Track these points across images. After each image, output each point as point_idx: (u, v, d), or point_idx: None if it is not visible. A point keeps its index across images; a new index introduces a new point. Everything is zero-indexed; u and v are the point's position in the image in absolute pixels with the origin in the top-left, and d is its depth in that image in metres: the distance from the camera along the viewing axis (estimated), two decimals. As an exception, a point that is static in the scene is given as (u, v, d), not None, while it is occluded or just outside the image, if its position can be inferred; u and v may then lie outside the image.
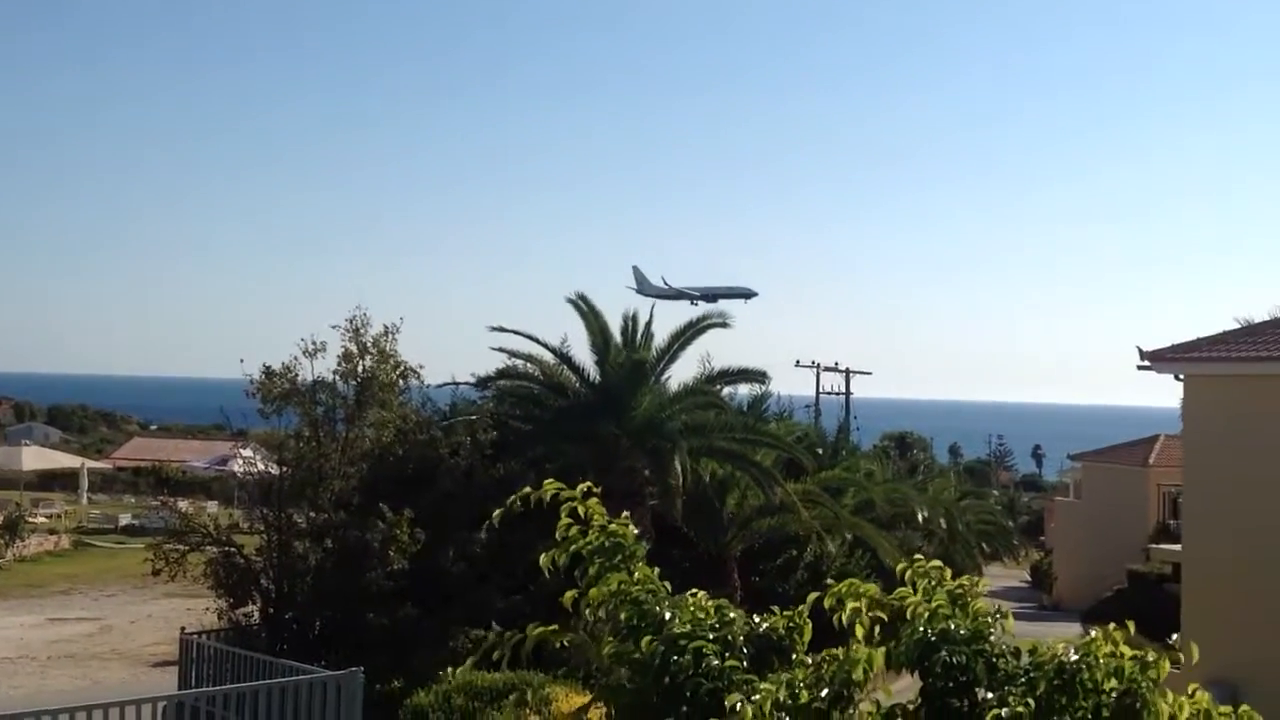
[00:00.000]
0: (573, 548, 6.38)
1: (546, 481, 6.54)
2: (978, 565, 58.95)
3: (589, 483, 6.52)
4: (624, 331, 28.41)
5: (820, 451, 41.67)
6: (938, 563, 6.08)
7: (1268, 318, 35.57)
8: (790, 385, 56.50)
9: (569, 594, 6.31)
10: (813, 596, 6.00)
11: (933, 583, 5.96)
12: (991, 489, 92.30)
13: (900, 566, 6.07)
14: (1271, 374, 25.52)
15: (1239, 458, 25.80)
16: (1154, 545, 41.20)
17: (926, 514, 46.57)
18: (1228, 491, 26.04)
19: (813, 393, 64.19)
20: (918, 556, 6.15)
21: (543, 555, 6.42)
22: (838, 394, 65.01)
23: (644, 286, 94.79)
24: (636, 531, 6.50)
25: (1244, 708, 5.69)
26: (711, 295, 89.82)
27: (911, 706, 5.66)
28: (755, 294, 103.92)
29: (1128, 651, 5.59)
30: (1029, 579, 67.43)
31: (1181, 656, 5.87)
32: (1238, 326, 30.28)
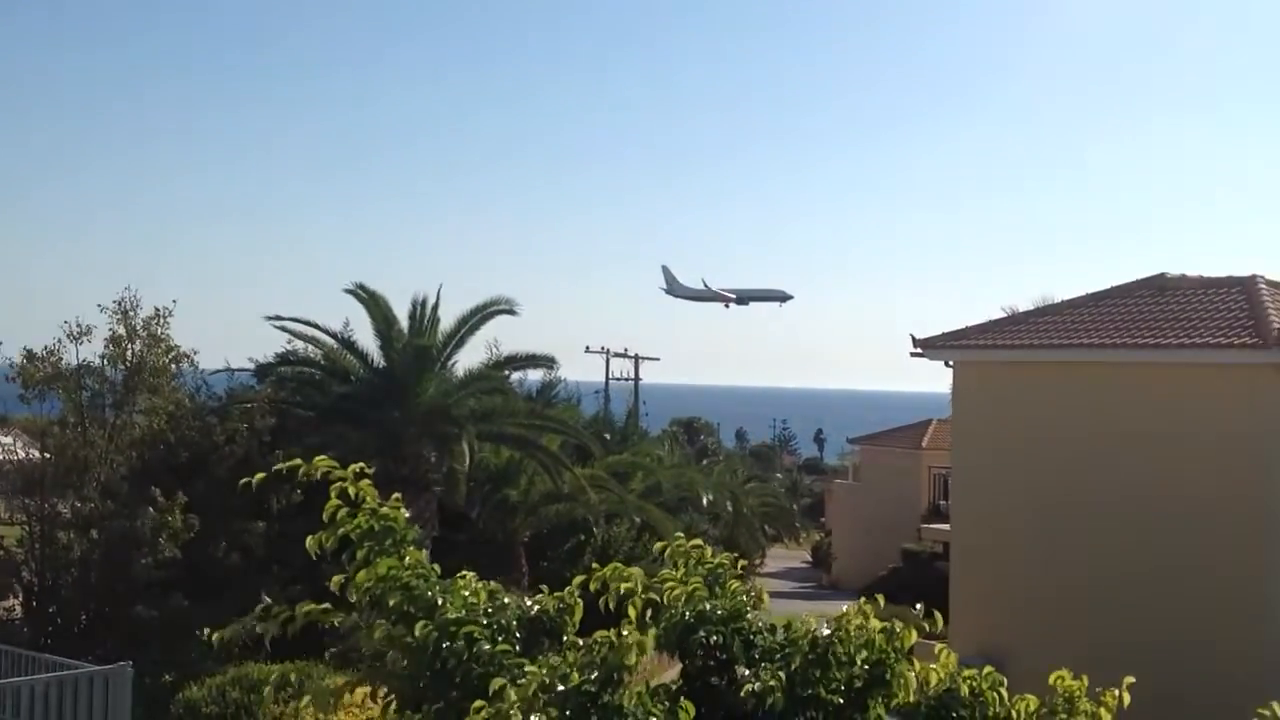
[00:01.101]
0: (341, 531, 6.23)
1: (318, 458, 6.35)
2: (761, 547, 60.44)
3: (364, 466, 6.37)
4: (411, 317, 28.00)
5: (609, 437, 42.00)
6: (698, 541, 6.18)
7: (1032, 307, 37.32)
8: (580, 371, 56.74)
9: (336, 578, 6.17)
10: (578, 579, 6.01)
11: (693, 561, 6.05)
12: (776, 472, 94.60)
13: (659, 546, 6.14)
14: (1033, 360, 26.87)
15: (1002, 441, 27.08)
16: (925, 525, 42.95)
17: (712, 497, 47.46)
18: (991, 473, 27.32)
19: (602, 379, 64.64)
20: (678, 535, 6.23)
21: (309, 538, 6.25)
22: (627, 380, 65.64)
23: (674, 287, 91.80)
24: (408, 515, 6.39)
25: (988, 669, 5.95)
26: (746, 298, 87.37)
27: (675, 687, 5.74)
28: (791, 297, 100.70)
29: (877, 624, 5.78)
30: (810, 559, 69.41)
31: (927, 626, 6.10)
32: (1004, 315, 31.77)
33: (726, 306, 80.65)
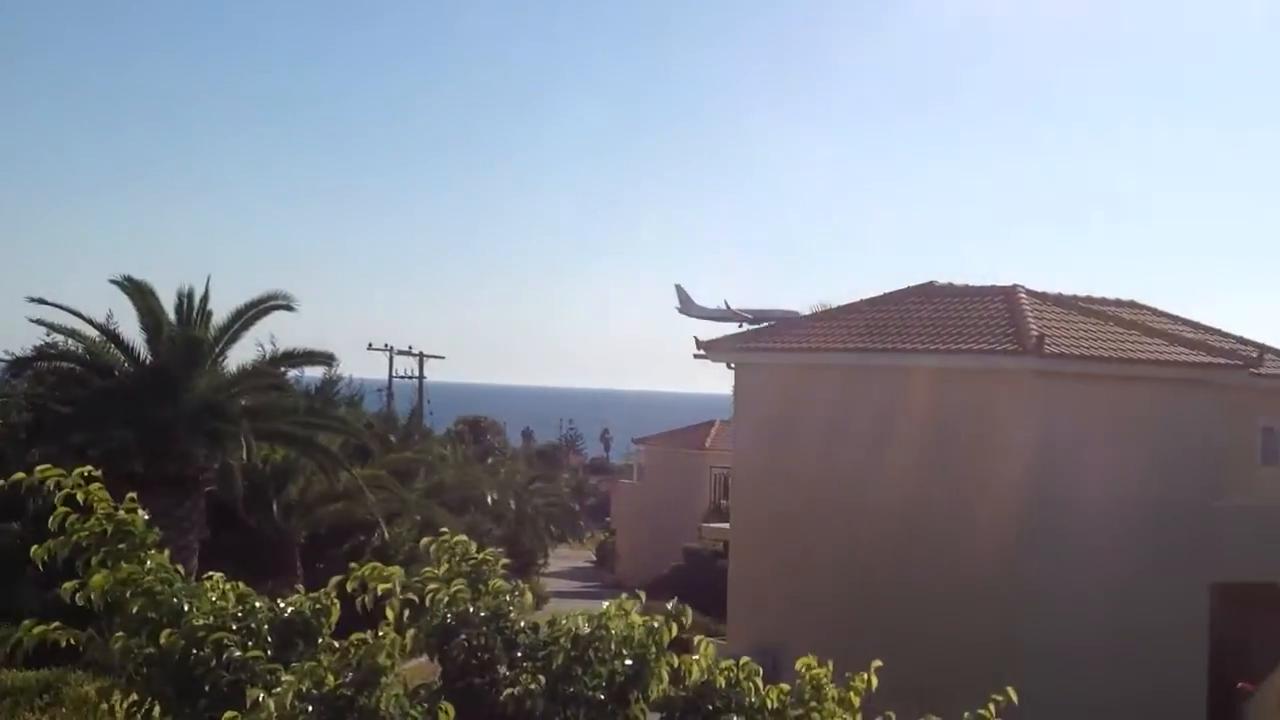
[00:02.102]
0: (74, 537, 5.87)
1: (40, 468, 5.98)
2: (545, 546, 60.49)
3: (90, 469, 6.02)
4: (179, 309, 26.88)
5: (392, 436, 41.32)
6: (462, 537, 6.11)
7: (810, 312, 38.25)
8: (364, 369, 55.65)
9: (67, 585, 5.82)
10: (335, 580, 5.86)
11: (456, 558, 6.00)
12: (562, 472, 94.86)
13: (425, 541, 6.06)
14: (809, 364, 27.60)
15: (779, 442, 27.74)
16: (706, 524, 43.67)
17: (496, 497, 47.25)
18: (768, 473, 27.95)
19: (386, 376, 63.55)
20: (442, 531, 6.15)
21: (35, 548, 5.87)
22: (411, 378, 64.69)
23: (688, 307, 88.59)
24: (146, 517, 6.06)
25: (744, 660, 6.07)
26: (761, 318, 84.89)
27: (435, 688, 5.66)
28: (801, 315, 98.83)
29: (638, 620, 5.82)
30: (594, 559, 69.81)
31: (686, 621, 6.17)
32: (785, 318, 32.55)
33: (740, 327, 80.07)
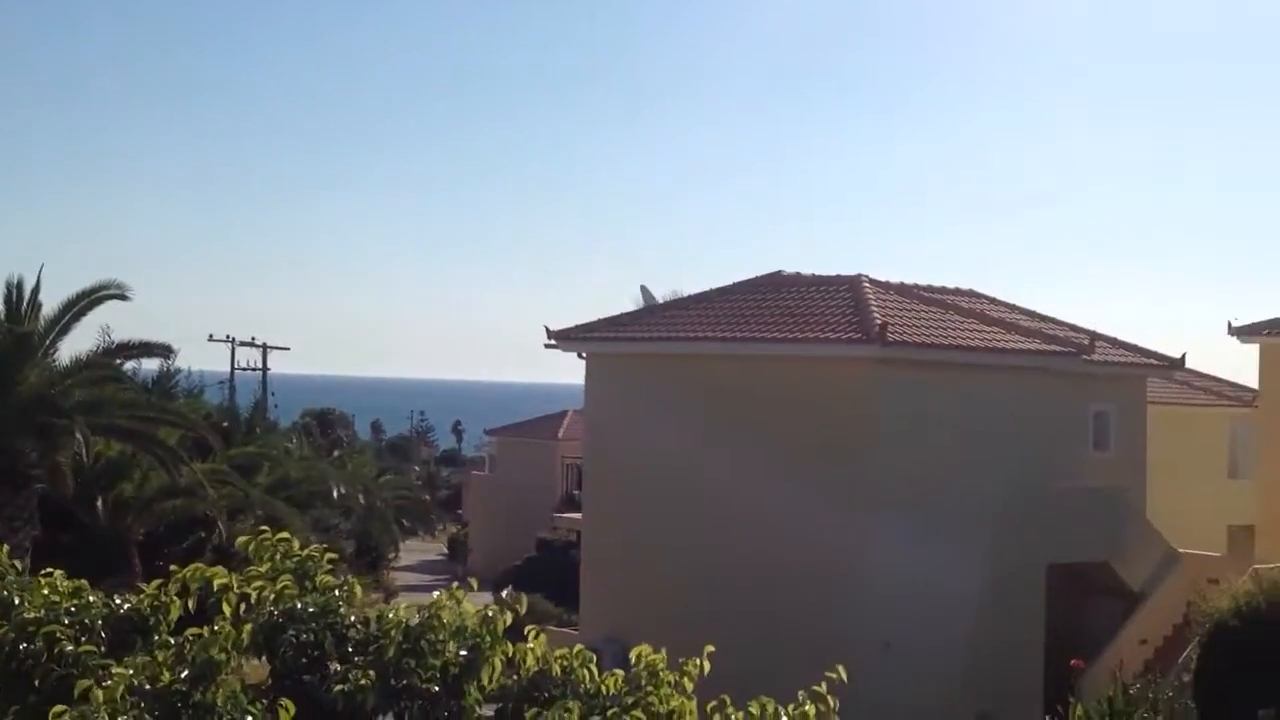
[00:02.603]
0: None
1: None
2: (395, 540, 59.70)
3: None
4: (8, 301, 25.77)
5: (234, 429, 40.28)
6: (285, 534, 6.00)
7: (662, 301, 38.49)
8: (206, 361, 54.13)
9: None
10: (163, 579, 5.70)
11: (279, 555, 5.90)
12: (413, 464, 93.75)
13: (242, 540, 5.96)
14: (660, 353, 27.72)
15: (630, 431, 27.81)
16: (559, 514, 43.62)
17: (344, 490, 46.45)
18: (620, 462, 28.00)
19: (228, 368, 61.93)
20: (264, 529, 6.02)
21: None
22: (255, 370, 63.14)
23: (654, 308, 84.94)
24: (5, 513, 5.79)
25: (579, 648, 6.09)
26: None
27: (265, 685, 5.56)
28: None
29: (470, 609, 5.81)
30: (446, 551, 69.20)
31: (520, 610, 6.15)
32: (637, 308, 32.59)
33: None
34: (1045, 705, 21.71)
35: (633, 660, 6.10)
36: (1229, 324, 31.38)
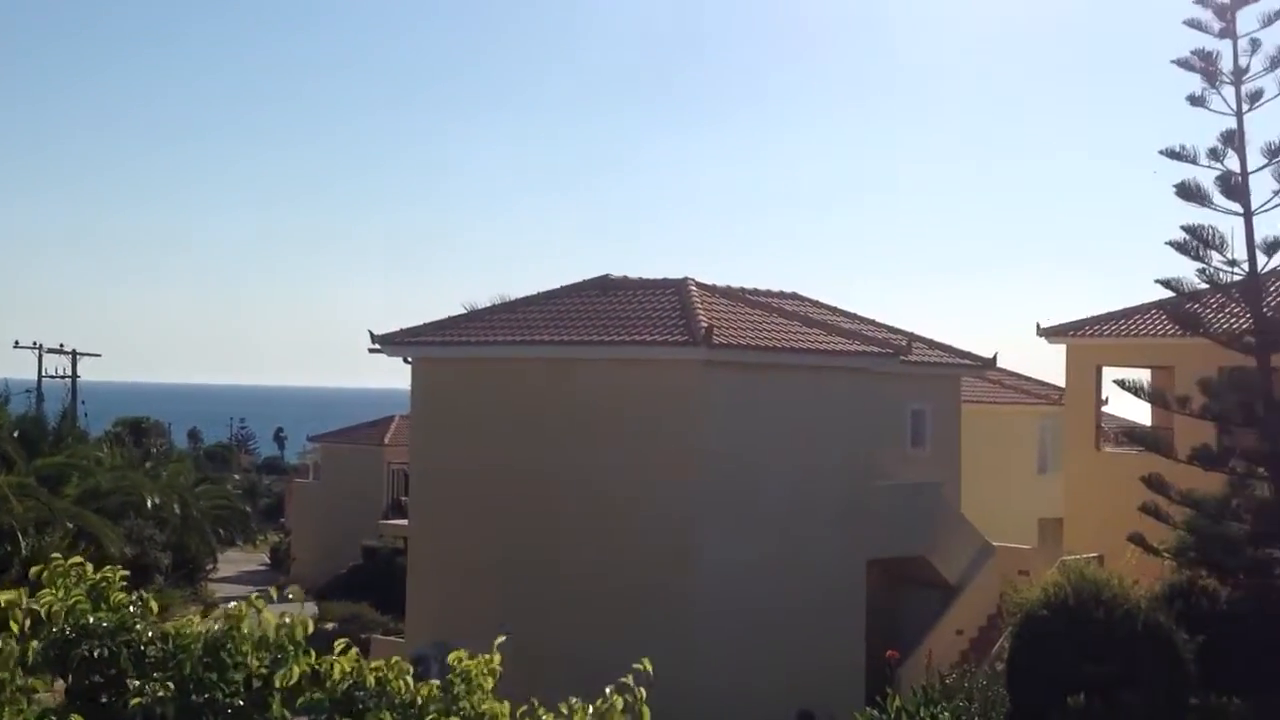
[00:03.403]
0: None
1: None
2: (213, 551, 57.90)
3: None
4: None
5: (39, 440, 38.51)
6: (78, 559, 5.75)
7: (490, 304, 38.21)
8: (11, 369, 51.68)
9: None
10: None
11: (73, 580, 5.63)
12: (233, 473, 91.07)
13: (35, 570, 5.68)
14: (487, 357, 27.49)
15: (457, 435, 27.52)
16: (385, 521, 42.89)
17: (159, 500, 44.81)
18: (447, 467, 27.68)
19: (35, 376, 59.18)
20: (56, 556, 5.76)
21: None
22: (64, 377, 60.50)
23: None
24: None
25: (395, 659, 6.03)
26: None
27: (60, 706, 5.29)
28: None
29: (270, 619, 5.66)
30: (268, 561, 67.45)
31: (311, 623, 6.01)
32: (463, 311, 32.26)
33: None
34: (866, 698, 22.25)
35: (452, 665, 6.03)
36: (1038, 325, 32.73)
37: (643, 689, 6.04)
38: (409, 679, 5.89)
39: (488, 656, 6.09)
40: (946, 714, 18.38)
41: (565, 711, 5.94)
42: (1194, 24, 24.49)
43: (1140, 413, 34.01)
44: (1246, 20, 24.12)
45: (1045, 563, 25.71)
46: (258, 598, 5.77)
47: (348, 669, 5.73)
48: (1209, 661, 21.07)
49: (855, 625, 26.19)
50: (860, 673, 25.61)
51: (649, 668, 6.19)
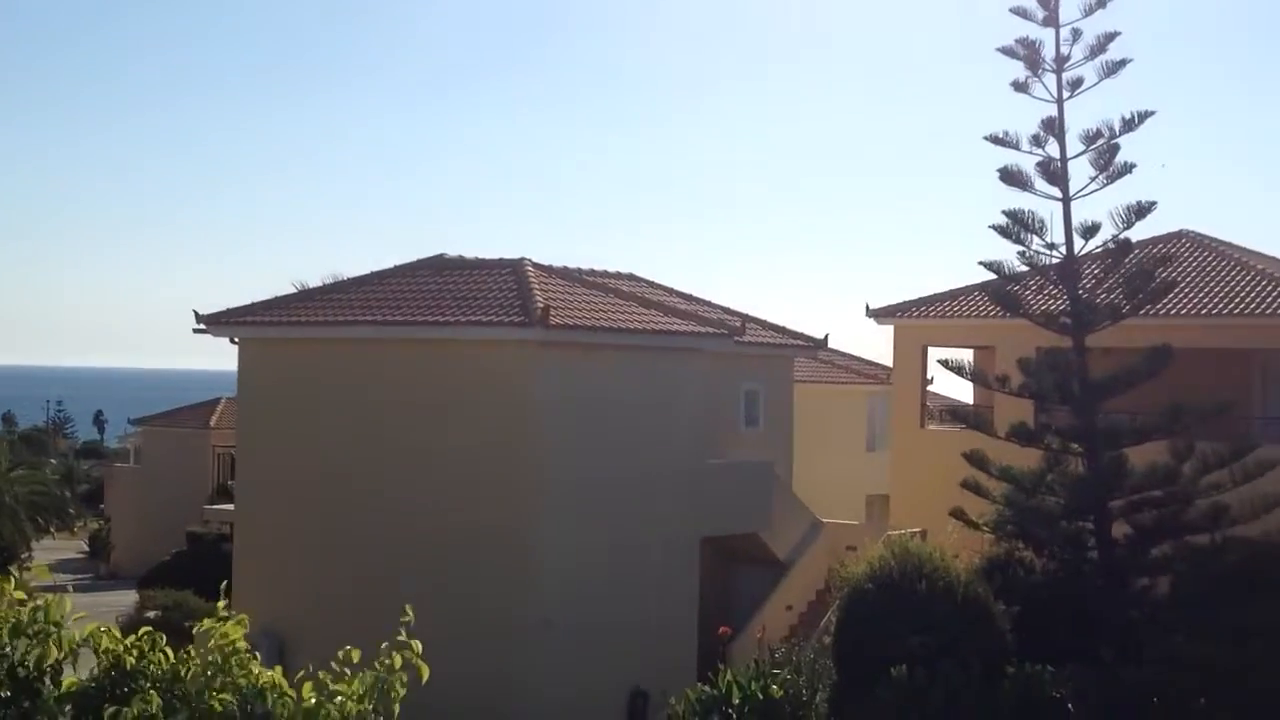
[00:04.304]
0: None
1: None
2: (28, 538, 55.57)
3: None
4: None
5: None
6: None
7: (321, 284, 37.41)
8: None
9: None
10: None
11: None
12: (50, 458, 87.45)
13: None
14: (319, 337, 26.87)
15: (287, 417, 26.86)
16: (210, 506, 41.68)
17: (-33, 488, 42.71)
18: (276, 450, 27.00)
19: None
20: None
21: None
22: None
23: None
24: None
25: (144, 629, 5.84)
26: None
27: None
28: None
29: (21, 595, 5.44)
30: (87, 549, 65.06)
31: (69, 603, 5.82)
32: (293, 291, 31.45)
33: None
34: (698, 674, 22.49)
35: (213, 639, 5.86)
36: (866, 306, 33.47)
37: (418, 643, 6.01)
38: (169, 651, 5.75)
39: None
40: (775, 687, 18.67)
41: (341, 656, 5.88)
42: (1019, 12, 25.25)
43: (964, 391, 35.19)
44: (1069, 9, 24.94)
45: (872, 538, 26.34)
46: (3, 580, 5.53)
47: (106, 648, 5.52)
48: (1025, 631, 21.88)
49: (689, 603, 26.46)
50: (693, 650, 25.89)
51: (410, 615, 6.20)
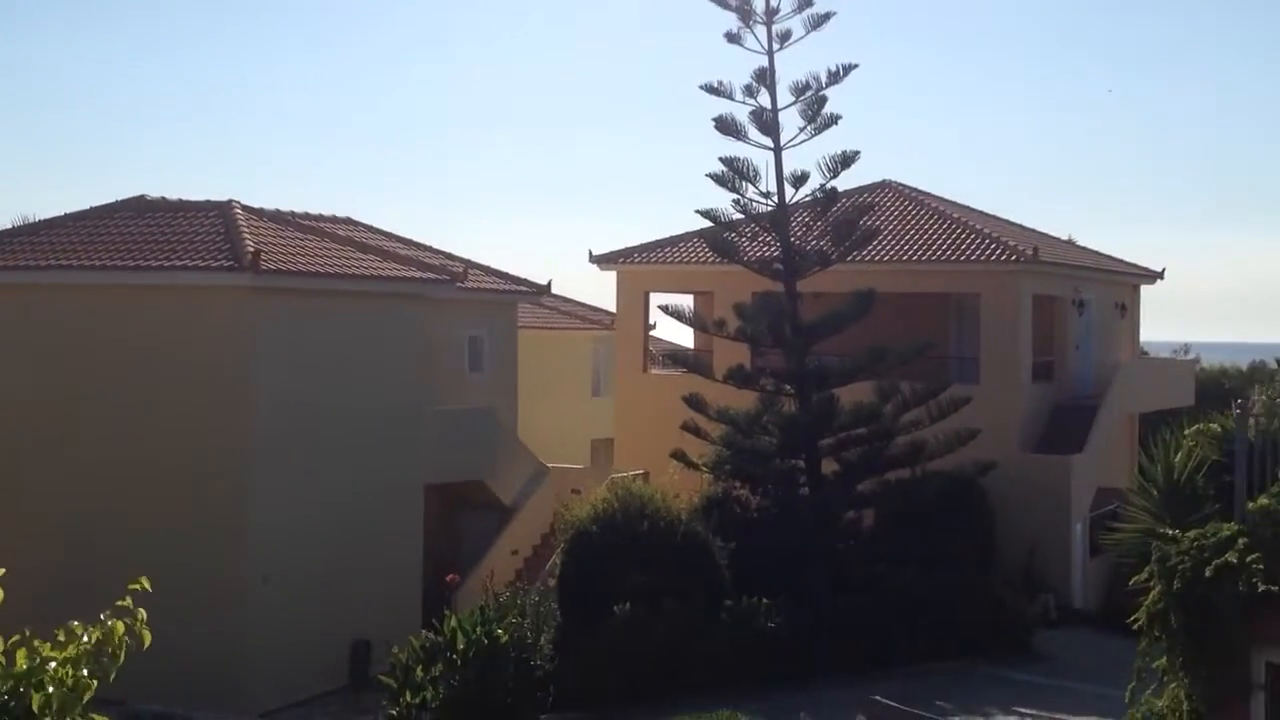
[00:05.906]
0: None
1: None
2: None
3: None
4: None
5: None
6: None
7: (10, 225, 34.93)
8: None
9: None
10: None
11: None
12: None
13: None
14: (7, 284, 25.05)
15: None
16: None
17: None
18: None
19: None
20: None
21: None
22: None
23: None
24: None
25: None
26: None
27: None
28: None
29: None
30: None
31: None
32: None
33: None
34: (424, 622, 22.31)
35: None
36: (590, 253, 33.71)
37: (142, 610, 5.80)
38: None
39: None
40: (500, 631, 18.71)
41: (63, 638, 5.60)
42: (729, -36, 25.76)
43: (685, 336, 35.96)
44: (778, -37, 25.60)
45: (597, 481, 26.70)
46: None
47: None
48: (741, 566, 22.68)
49: (412, 551, 26.18)
50: (418, 598, 25.67)
51: (146, 586, 5.94)
